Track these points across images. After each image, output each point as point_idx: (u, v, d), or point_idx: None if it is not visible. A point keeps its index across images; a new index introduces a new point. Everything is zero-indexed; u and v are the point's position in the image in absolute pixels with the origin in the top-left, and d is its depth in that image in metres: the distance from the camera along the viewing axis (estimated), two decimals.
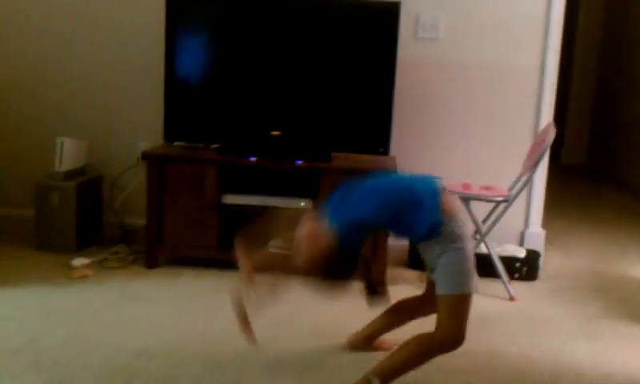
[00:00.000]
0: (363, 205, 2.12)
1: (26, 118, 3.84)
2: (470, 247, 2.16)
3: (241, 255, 2.29)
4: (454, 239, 2.11)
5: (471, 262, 2.14)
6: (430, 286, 2.26)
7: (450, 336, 2.12)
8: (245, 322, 2.30)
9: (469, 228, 2.25)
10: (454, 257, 2.11)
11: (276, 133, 3.36)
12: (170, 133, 3.42)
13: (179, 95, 3.40)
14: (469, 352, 2.46)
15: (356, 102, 3.36)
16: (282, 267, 2.22)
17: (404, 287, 2.63)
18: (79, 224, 3.53)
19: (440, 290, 2.14)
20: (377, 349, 2.47)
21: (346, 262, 2.16)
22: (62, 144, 3.50)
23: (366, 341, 2.51)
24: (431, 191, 2.15)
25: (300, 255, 2.10)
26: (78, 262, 3.31)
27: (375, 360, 2.23)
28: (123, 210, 3.76)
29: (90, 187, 3.66)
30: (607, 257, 3.97)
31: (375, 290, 2.30)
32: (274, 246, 2.26)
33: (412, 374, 2.17)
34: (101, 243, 3.65)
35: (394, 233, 2.36)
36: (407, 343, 2.16)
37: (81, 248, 3.52)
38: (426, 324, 2.23)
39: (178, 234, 3.33)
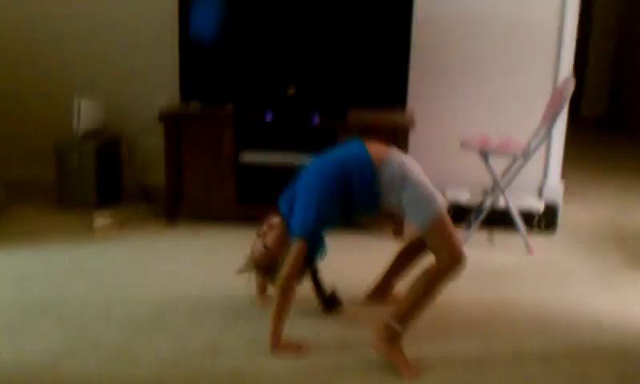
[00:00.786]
0: (313, 201, 2.19)
1: (43, 79, 3.86)
2: (418, 174, 2.21)
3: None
4: (398, 180, 2.18)
5: (427, 185, 2.19)
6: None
7: (451, 260, 2.12)
8: (261, 286, 2.50)
9: (404, 159, 2.27)
10: (409, 194, 2.17)
11: (292, 90, 3.35)
12: (185, 91, 3.41)
13: (194, 54, 3.39)
14: (488, 303, 2.49)
15: (373, 56, 3.33)
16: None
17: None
18: (99, 184, 3.57)
19: (418, 228, 2.20)
20: (393, 302, 2.47)
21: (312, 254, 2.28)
22: (79, 105, 3.51)
23: (381, 293, 2.55)
24: (361, 152, 2.24)
25: (284, 272, 2.18)
26: (100, 220, 3.36)
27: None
28: (142, 170, 3.79)
29: (108, 147, 3.69)
30: (626, 208, 3.95)
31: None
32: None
33: (433, 321, 2.21)
34: (121, 202, 3.70)
35: (351, 212, 2.31)
36: (416, 281, 2.16)
37: (101, 207, 3.56)
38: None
39: (196, 191, 3.36)
